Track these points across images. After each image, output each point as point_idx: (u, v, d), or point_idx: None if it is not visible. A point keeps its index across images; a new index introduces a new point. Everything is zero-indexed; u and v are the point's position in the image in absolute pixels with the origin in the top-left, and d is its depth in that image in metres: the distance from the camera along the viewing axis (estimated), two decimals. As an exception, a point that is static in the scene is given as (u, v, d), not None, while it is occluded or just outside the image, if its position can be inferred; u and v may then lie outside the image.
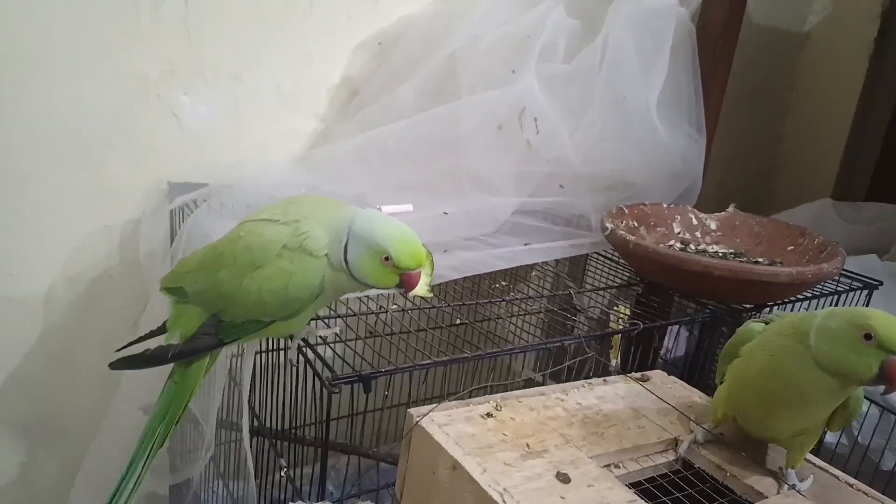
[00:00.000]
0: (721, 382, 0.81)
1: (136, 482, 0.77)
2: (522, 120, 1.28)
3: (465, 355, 0.85)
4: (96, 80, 1.15)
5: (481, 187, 1.30)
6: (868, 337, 0.64)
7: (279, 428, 0.96)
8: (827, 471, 0.80)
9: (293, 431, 0.95)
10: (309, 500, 0.79)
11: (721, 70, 1.59)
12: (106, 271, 1.25)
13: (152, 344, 0.80)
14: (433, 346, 0.91)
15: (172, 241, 1.20)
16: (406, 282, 0.78)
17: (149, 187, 1.24)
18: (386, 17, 1.39)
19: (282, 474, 0.85)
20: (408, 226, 0.79)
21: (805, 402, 0.69)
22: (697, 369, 1.19)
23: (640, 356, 1.02)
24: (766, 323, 0.77)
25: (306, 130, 1.38)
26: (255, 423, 0.97)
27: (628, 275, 1.24)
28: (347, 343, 0.87)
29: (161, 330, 0.81)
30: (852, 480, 0.78)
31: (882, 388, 0.65)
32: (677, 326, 1.35)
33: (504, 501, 0.64)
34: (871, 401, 1.22)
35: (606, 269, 1.29)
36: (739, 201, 1.47)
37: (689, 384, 0.95)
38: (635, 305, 1.12)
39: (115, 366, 0.78)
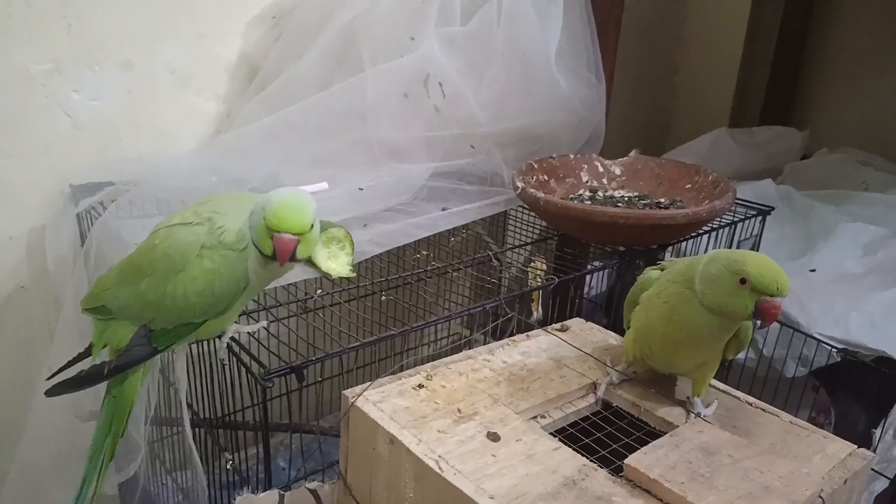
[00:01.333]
0: (628, 327, 0.87)
1: (93, 496, 0.78)
2: (428, 85, 1.29)
3: (393, 332, 0.88)
4: (-24, 83, 1.09)
5: (393, 156, 1.31)
6: (743, 281, 0.70)
7: (215, 416, 0.97)
8: (729, 393, 0.88)
9: (230, 417, 0.97)
10: (257, 485, 0.82)
11: (615, 11, 1.64)
12: (17, 283, 1.21)
13: (80, 365, 0.80)
14: (360, 326, 0.94)
15: (83, 244, 1.17)
16: (276, 245, 0.74)
17: (49, 192, 1.20)
18: (278, -11, 1.36)
19: (228, 467, 0.87)
20: (308, 197, 0.77)
21: (700, 341, 0.76)
22: (613, 308, 1.27)
23: (559, 306, 1.08)
24: (662, 270, 0.83)
25: (208, 112, 1.36)
26: (192, 415, 0.98)
27: (541, 229, 1.30)
28: (275, 335, 0.89)
29: (87, 351, 0.81)
30: (751, 399, 0.87)
31: (758, 323, 0.72)
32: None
33: (440, 468, 0.69)
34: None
35: (525, 225, 1.34)
36: (641, 138, 1.54)
37: (608, 323, 1.01)
38: (554, 257, 1.18)
39: (51, 392, 0.78)
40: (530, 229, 1.32)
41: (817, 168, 1.87)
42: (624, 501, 0.66)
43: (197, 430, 0.96)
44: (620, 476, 0.70)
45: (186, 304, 0.74)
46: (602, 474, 0.70)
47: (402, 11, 1.30)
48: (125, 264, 0.78)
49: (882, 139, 2.03)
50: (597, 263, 1.14)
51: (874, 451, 1.06)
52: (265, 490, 0.78)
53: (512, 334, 0.99)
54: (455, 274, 1.12)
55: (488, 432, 0.75)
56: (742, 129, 2.09)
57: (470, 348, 0.94)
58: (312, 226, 0.77)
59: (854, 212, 1.55)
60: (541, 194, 1.12)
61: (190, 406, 1.00)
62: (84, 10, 1.16)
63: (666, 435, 0.75)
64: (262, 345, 0.87)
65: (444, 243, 1.23)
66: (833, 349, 1.27)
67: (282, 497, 0.79)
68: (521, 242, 1.25)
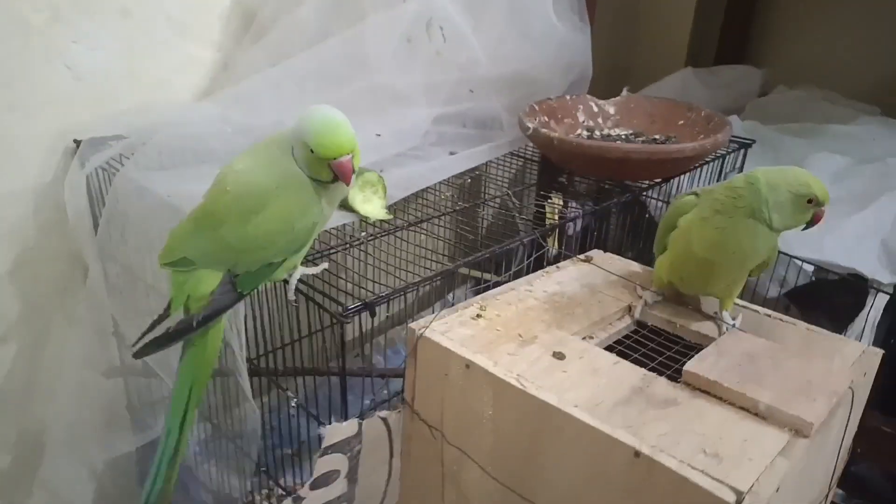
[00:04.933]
0: (661, 252, 0.94)
1: (176, 447, 0.80)
2: (430, 30, 1.30)
3: (448, 267, 0.92)
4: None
5: (397, 102, 1.33)
6: (810, 201, 0.81)
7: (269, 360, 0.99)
8: (748, 307, 0.97)
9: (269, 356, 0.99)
10: (329, 417, 0.86)
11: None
12: (23, 239, 1.18)
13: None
14: (407, 261, 0.98)
15: (92, 200, 1.15)
16: (337, 171, 0.76)
17: (52, 146, 1.17)
18: (267, -68, 1.33)
19: (293, 405, 0.91)
20: (339, 114, 0.78)
21: (746, 260, 0.84)
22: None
23: (576, 241, 1.14)
24: (697, 195, 0.90)
25: (204, 61, 1.33)
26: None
27: (535, 168, 1.35)
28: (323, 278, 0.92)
29: (165, 313, 0.82)
30: (769, 311, 0.96)
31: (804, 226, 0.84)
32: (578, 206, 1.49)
33: (522, 384, 0.75)
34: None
35: (515, 167, 1.38)
36: (603, 81, 1.59)
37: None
38: (563, 195, 1.23)
39: (140, 354, 0.79)
40: (523, 172, 1.37)
41: (779, 104, 1.98)
42: (688, 402, 0.74)
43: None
44: (679, 382, 0.78)
45: (269, 242, 0.76)
46: (663, 381, 0.78)
47: (402, -46, 1.29)
48: (199, 213, 0.79)
49: (833, 76, 2.16)
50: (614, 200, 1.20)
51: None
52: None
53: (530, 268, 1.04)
54: (481, 211, 1.17)
55: (553, 352, 0.81)
56: (706, 69, 2.17)
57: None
58: None
59: (820, 143, 1.66)
60: (555, 133, 1.17)
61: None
62: (79, -43, 1.11)
63: (710, 345, 0.83)
64: (330, 284, 0.89)
65: (455, 184, 1.27)
66: (811, 268, 1.39)
67: (360, 425, 0.84)
68: (530, 182, 1.30)
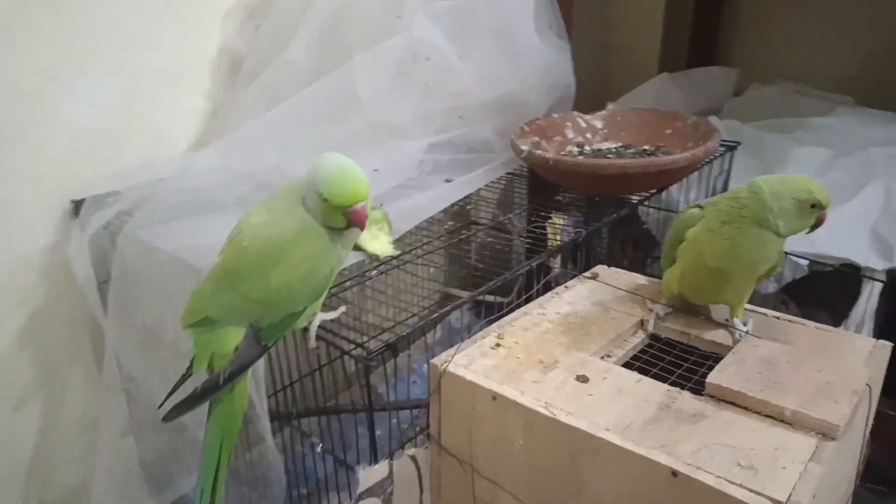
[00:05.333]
0: (669, 265, 0.96)
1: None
2: (418, 62, 1.32)
3: (462, 298, 0.93)
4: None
5: (392, 134, 1.35)
6: (813, 206, 0.84)
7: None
8: (756, 311, 0.99)
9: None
10: (357, 459, 0.86)
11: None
12: (32, 305, 1.17)
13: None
14: (417, 295, 0.99)
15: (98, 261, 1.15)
16: (352, 219, 0.77)
17: (54, 208, 1.17)
18: (246, -21, 1.35)
19: (318, 451, 0.91)
20: (350, 161, 0.79)
21: (756, 267, 0.87)
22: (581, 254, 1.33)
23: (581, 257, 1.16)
24: (701, 207, 0.92)
25: (195, 110, 1.35)
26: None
27: (524, 185, 1.37)
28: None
29: (188, 372, 0.82)
30: (777, 314, 0.98)
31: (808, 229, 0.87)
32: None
33: (551, 412, 0.76)
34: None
35: (502, 186, 1.40)
36: (581, 94, 1.62)
37: (575, 267, 1.11)
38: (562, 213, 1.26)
39: (169, 417, 0.79)
40: (518, 192, 1.40)
41: (755, 102, 2.02)
42: (715, 414, 0.76)
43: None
44: (703, 394, 0.79)
45: (291, 292, 0.77)
46: (687, 395, 0.79)
47: (386, -8, 1.32)
48: (219, 271, 0.80)
49: (802, 70, 2.21)
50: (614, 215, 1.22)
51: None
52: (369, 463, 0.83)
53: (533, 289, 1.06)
54: (477, 236, 1.18)
55: (577, 375, 0.83)
56: (680, 73, 2.21)
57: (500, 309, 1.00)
58: None
59: (801, 138, 1.70)
60: (550, 154, 1.19)
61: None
62: (74, 15, 1.12)
63: (728, 354, 0.85)
64: (347, 326, 0.90)
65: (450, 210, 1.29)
66: (806, 262, 1.42)
67: (391, 465, 0.84)
68: (525, 204, 1.32)
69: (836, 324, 1.55)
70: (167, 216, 1.12)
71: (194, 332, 0.80)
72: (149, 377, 1.10)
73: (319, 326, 0.88)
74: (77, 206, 1.16)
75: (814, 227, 0.86)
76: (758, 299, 1.58)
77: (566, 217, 1.25)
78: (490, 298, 1.18)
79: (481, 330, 0.94)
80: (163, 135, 1.29)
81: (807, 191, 0.84)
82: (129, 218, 1.11)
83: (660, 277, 1.01)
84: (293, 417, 1.16)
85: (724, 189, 1.53)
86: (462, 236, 1.15)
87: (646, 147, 1.38)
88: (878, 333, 1.42)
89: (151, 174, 1.19)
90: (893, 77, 2.12)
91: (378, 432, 0.95)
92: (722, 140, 1.49)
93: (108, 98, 1.19)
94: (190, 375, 0.83)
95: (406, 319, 1.30)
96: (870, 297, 1.40)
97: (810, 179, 0.85)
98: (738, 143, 1.48)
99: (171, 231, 1.09)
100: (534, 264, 1.01)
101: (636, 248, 1.60)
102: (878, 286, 1.38)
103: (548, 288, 1.07)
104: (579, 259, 1.15)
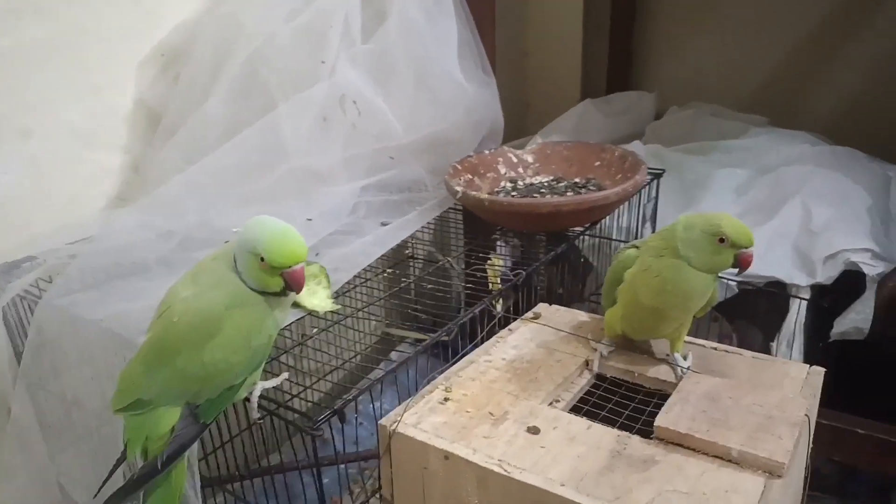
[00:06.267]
0: (610, 305, 0.97)
1: None
2: (344, 106, 1.31)
3: (412, 352, 0.91)
4: None
5: (320, 181, 1.32)
6: (722, 241, 0.83)
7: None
8: (694, 343, 1.01)
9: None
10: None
11: (488, 6, 1.72)
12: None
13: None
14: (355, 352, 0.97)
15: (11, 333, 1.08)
16: (289, 281, 0.76)
17: (-38, 281, 1.09)
18: (163, 28, 1.31)
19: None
20: (285, 223, 0.78)
21: (689, 302, 0.88)
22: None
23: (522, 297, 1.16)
24: (637, 247, 0.93)
25: (113, 168, 1.29)
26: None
27: (462, 224, 1.37)
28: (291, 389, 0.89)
29: (122, 456, 0.77)
30: (714, 344, 1.00)
31: (736, 271, 0.86)
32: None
33: (505, 470, 0.75)
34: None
35: (436, 223, 1.40)
36: (506, 124, 1.64)
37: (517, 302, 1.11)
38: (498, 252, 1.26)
39: None
40: (454, 231, 1.39)
41: (674, 125, 2.09)
42: (665, 458, 0.76)
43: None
44: (652, 438, 0.80)
45: (228, 366, 0.74)
46: (636, 440, 0.80)
47: (305, 39, 1.30)
48: (148, 350, 0.75)
49: (713, 91, 2.31)
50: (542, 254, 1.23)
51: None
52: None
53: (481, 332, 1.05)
54: (426, 285, 1.17)
55: (527, 427, 0.82)
56: (602, 99, 2.27)
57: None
58: None
59: (719, 159, 1.77)
60: (484, 195, 1.19)
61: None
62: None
63: (673, 393, 0.86)
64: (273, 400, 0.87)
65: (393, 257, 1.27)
66: (734, 283, 1.47)
67: (344, 536, 0.81)
68: (462, 243, 1.31)
69: (769, 338, 1.62)
70: (85, 282, 1.06)
71: (125, 416, 0.75)
72: (71, 462, 1.03)
73: (260, 396, 0.84)
74: (-9, 275, 1.09)
75: (738, 266, 0.85)
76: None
77: (505, 257, 1.25)
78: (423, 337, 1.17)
79: (426, 381, 0.92)
80: (78, 195, 1.22)
81: (714, 225, 0.83)
82: (48, 285, 1.05)
83: (600, 309, 1.02)
84: (231, 481, 1.11)
85: (654, 214, 1.57)
86: (402, 284, 1.13)
87: (576, 180, 1.41)
88: (810, 346, 1.49)
89: (68, 236, 1.12)
90: (799, 88, 2.24)
91: (325, 480, 0.91)
92: (651, 169, 1.53)
93: (17, 163, 1.12)
94: (124, 460, 0.78)
95: (348, 363, 1.27)
96: (798, 313, 1.46)
97: (727, 216, 0.84)
98: (664, 171, 1.52)
99: (92, 298, 1.03)
100: (476, 311, 1.00)
101: (572, 275, 1.62)
102: (804, 302, 1.44)
103: (491, 331, 1.07)
104: (520, 297, 1.15)
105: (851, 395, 1.31)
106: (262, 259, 0.75)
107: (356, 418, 1.56)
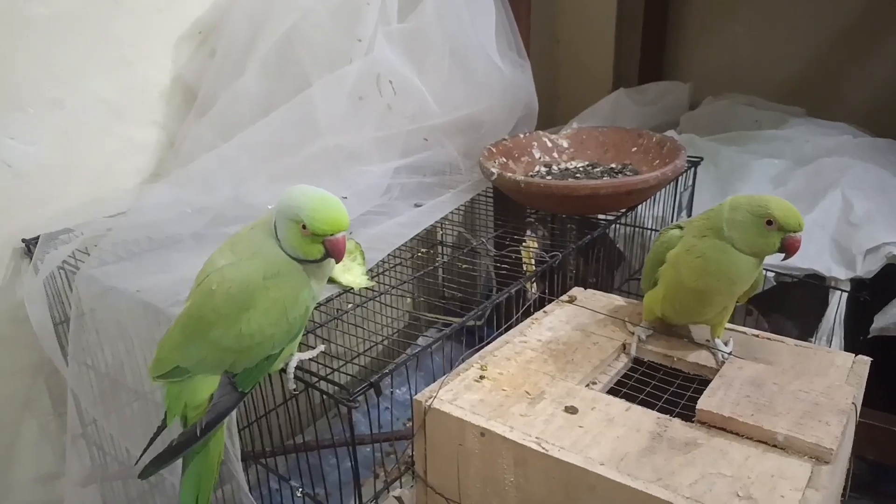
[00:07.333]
0: (650, 287, 0.95)
1: None
2: (380, 85, 1.30)
3: (444, 332, 0.90)
4: None
5: (353, 160, 1.32)
6: (770, 223, 0.80)
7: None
8: (734, 330, 0.99)
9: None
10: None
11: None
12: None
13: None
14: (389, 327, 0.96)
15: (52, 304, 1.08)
16: (330, 249, 0.76)
17: (1, 249, 1.10)
18: (200, 4, 1.30)
19: (299, 494, 0.87)
20: (321, 191, 0.77)
21: (734, 286, 0.85)
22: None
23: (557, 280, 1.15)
24: (681, 227, 0.91)
25: (148, 143, 1.29)
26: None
27: (492, 208, 1.35)
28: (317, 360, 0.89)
29: (163, 424, 0.77)
30: (755, 331, 0.98)
31: (782, 256, 0.83)
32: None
33: (543, 448, 0.74)
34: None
35: (467, 207, 1.38)
36: (539, 112, 1.61)
37: (544, 289, 1.09)
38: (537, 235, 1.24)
39: (145, 473, 0.74)
40: (487, 214, 1.38)
41: (710, 115, 2.05)
42: (708, 441, 0.74)
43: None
44: (693, 421, 0.78)
45: (264, 337, 0.73)
46: (677, 422, 0.78)
47: (341, 16, 1.29)
48: (186, 319, 0.75)
49: (749, 81, 2.26)
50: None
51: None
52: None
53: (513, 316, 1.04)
54: (461, 266, 1.16)
55: (565, 407, 0.81)
56: (635, 88, 2.24)
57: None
58: None
59: (756, 149, 1.74)
60: (520, 177, 1.17)
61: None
62: (6, 50, 1.06)
63: (715, 378, 0.84)
64: (309, 371, 0.86)
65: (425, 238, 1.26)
66: (772, 274, 1.44)
67: (377, 511, 0.81)
68: (494, 225, 1.30)
69: (806, 333, 1.58)
70: (123, 254, 1.06)
71: (164, 383, 0.75)
72: (113, 426, 1.04)
73: (297, 367, 0.84)
74: (28, 245, 1.10)
75: (785, 251, 0.82)
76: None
77: (539, 238, 1.23)
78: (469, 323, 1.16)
79: (460, 360, 0.91)
80: (108, 168, 1.22)
81: (762, 206, 0.80)
82: (86, 257, 1.05)
83: (634, 295, 1.00)
84: (265, 456, 1.11)
85: (690, 203, 1.54)
86: (436, 264, 1.11)
87: (612, 165, 1.38)
88: (849, 341, 1.45)
89: (103, 210, 1.13)
90: (834, 79, 2.19)
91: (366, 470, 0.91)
92: (689, 156, 1.51)
93: (49, 134, 1.12)
94: (164, 428, 0.78)
95: (381, 342, 1.26)
96: (838, 307, 1.42)
97: (776, 199, 0.81)
98: (702, 159, 1.50)
99: (127, 270, 1.03)
100: (513, 290, 0.99)
101: (604, 265, 1.60)
102: (845, 295, 1.40)
103: (526, 313, 1.05)
104: (555, 281, 1.14)
105: (890, 392, 1.27)
106: (304, 226, 0.75)
107: (382, 402, 1.56)
